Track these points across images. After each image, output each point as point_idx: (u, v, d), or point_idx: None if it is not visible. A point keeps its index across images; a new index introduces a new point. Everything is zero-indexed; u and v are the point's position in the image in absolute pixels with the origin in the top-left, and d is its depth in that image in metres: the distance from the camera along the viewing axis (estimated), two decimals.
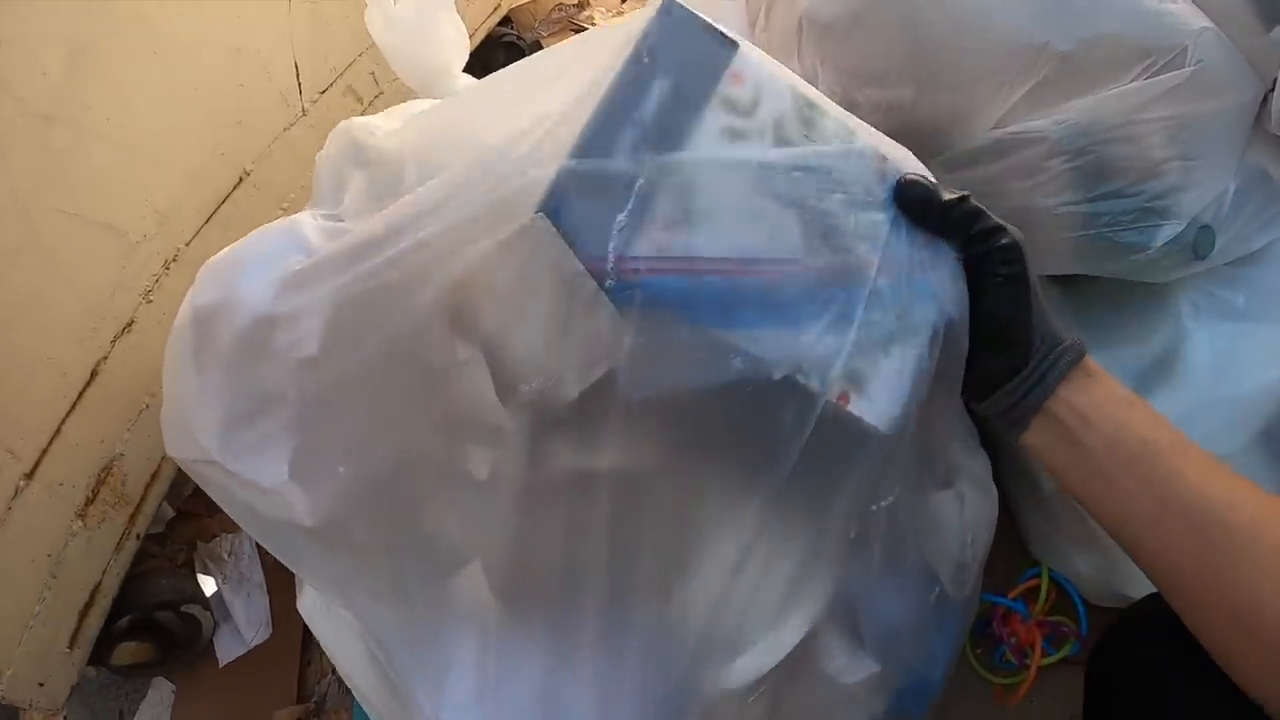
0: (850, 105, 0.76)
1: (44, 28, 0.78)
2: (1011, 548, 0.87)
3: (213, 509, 1.05)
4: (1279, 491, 0.68)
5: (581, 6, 1.31)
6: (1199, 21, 0.70)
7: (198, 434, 0.62)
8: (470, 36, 0.85)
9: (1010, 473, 0.86)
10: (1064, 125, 0.70)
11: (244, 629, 0.96)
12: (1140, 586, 0.74)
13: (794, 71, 0.61)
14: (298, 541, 0.62)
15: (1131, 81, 0.70)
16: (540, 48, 1.21)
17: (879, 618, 0.57)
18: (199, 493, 1.03)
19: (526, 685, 0.55)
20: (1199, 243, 0.73)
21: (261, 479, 0.60)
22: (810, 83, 0.71)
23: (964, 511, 0.64)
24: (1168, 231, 0.71)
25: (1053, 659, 0.81)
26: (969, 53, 0.72)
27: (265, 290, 0.59)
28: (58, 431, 0.85)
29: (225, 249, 0.65)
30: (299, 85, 0.97)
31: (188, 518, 1.02)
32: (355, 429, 0.57)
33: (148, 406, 0.91)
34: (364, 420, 0.57)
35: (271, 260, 0.61)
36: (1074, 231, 0.73)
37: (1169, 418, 0.73)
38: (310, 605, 0.69)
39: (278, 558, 0.64)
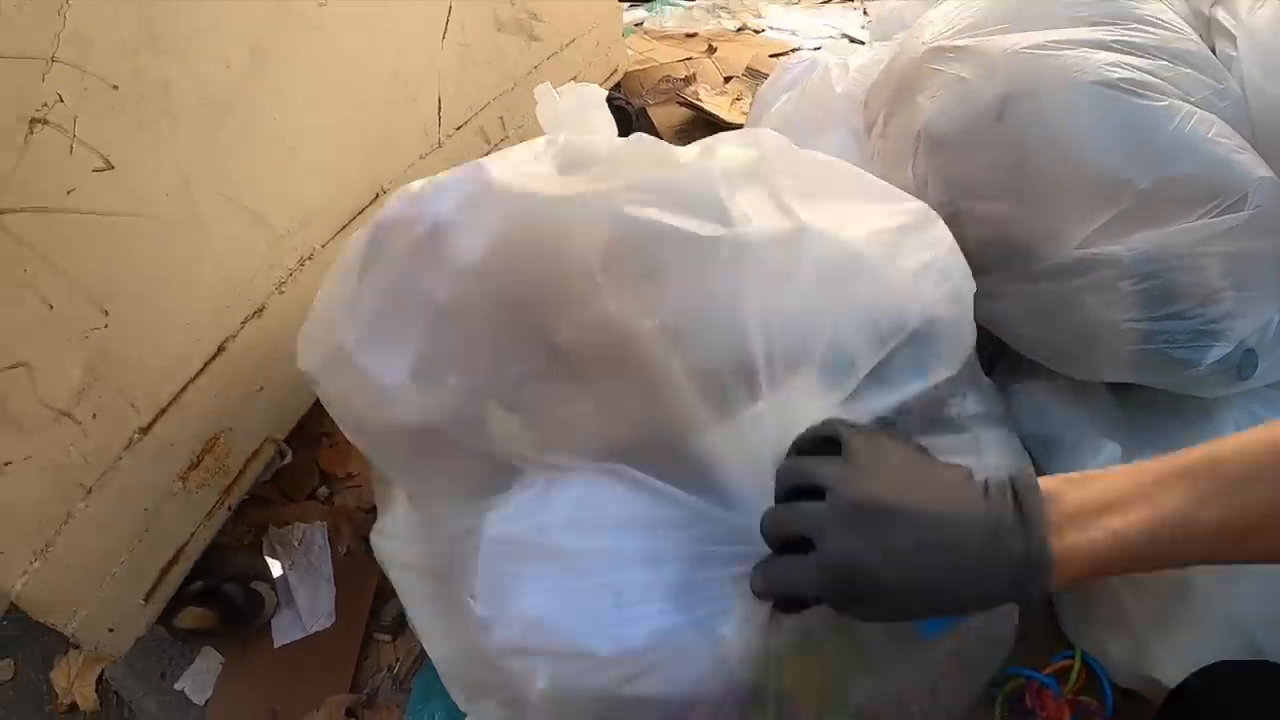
0: (954, 215, 0.94)
1: (234, 24, 0.95)
2: (1049, 626, 0.99)
3: (287, 496, 1.17)
4: None
5: (688, 81, 1.49)
6: (1260, 170, 0.88)
7: (339, 333, 0.75)
8: None
9: None
10: (1136, 252, 0.87)
11: (305, 615, 1.07)
12: (1168, 671, 0.86)
13: (906, 179, 0.78)
14: (397, 442, 0.77)
15: (1198, 219, 0.86)
16: (646, 114, 1.39)
17: None
18: (274, 480, 1.15)
19: None
20: (1243, 364, 0.88)
21: (385, 377, 0.72)
22: (920, 191, 0.89)
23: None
24: (1217, 352, 0.87)
25: None
26: (1063, 179, 0.89)
27: (449, 203, 0.70)
28: (178, 396, 0.98)
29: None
30: (439, 118, 1.14)
31: (260, 503, 1.14)
32: (479, 342, 0.70)
33: (261, 389, 1.04)
34: (489, 336, 0.70)
35: (458, 185, 0.72)
36: (1136, 345, 0.88)
37: None
38: (380, 537, 0.86)
39: (373, 460, 0.81)
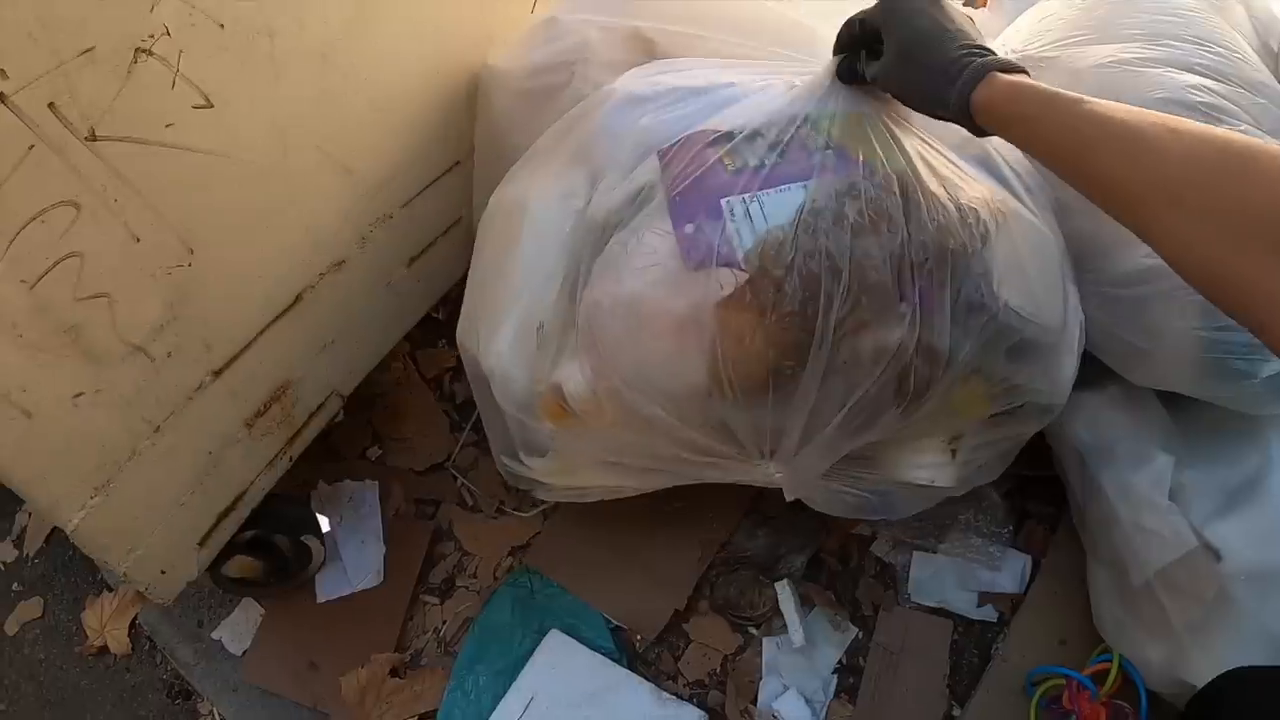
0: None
1: None
2: (1087, 632, 1.03)
3: (339, 454, 1.18)
4: None
5: None
6: None
7: None
8: None
9: (1097, 563, 1.03)
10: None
11: (351, 572, 1.08)
12: (1203, 676, 0.91)
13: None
14: None
15: None
16: None
17: None
18: (325, 438, 1.16)
19: None
20: None
21: None
22: None
23: None
24: (1272, 367, 0.92)
25: None
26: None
27: None
28: (252, 341, 0.99)
29: None
30: None
31: (311, 459, 1.14)
32: None
33: (333, 342, 1.05)
34: None
35: None
36: (1198, 353, 0.93)
37: (1251, 533, 0.92)
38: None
39: None
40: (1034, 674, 1.02)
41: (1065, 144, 0.65)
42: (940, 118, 0.74)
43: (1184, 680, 0.94)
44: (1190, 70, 0.97)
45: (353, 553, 1.09)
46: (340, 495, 1.13)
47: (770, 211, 0.80)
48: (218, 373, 0.96)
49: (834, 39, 0.84)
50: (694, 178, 0.82)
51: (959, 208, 0.83)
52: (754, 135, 0.83)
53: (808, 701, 1.03)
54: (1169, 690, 0.97)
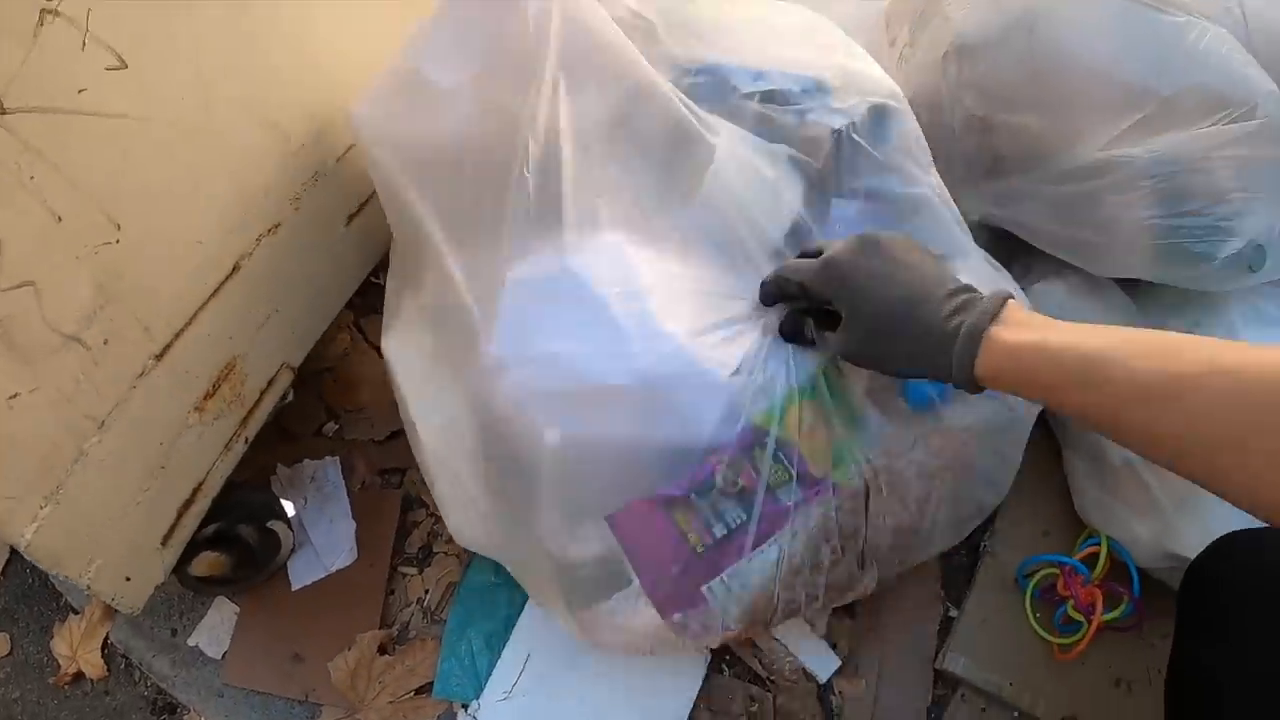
0: (989, 129, 1.03)
1: None
2: (1070, 520, 1.10)
3: (294, 434, 1.16)
4: None
5: None
6: (1268, 85, 1.00)
7: (409, 58, 0.93)
8: None
9: (1074, 446, 1.10)
10: (1155, 155, 0.97)
11: (323, 554, 1.07)
12: (1192, 546, 0.98)
13: (937, 90, 0.89)
14: (443, 172, 0.90)
15: (1212, 125, 0.98)
16: None
17: None
18: (278, 420, 1.14)
19: None
20: (1254, 260, 1.01)
21: (446, 81, 0.88)
22: (953, 103, 1.00)
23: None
24: (1231, 246, 0.99)
25: (1110, 617, 1.04)
26: (1089, 88, 0.99)
27: None
28: (193, 318, 0.96)
29: None
30: None
31: (266, 443, 1.12)
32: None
33: (277, 312, 1.03)
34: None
35: None
36: (1155, 239, 0.99)
37: None
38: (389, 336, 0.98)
39: (405, 216, 0.92)
40: (1024, 566, 1.08)
41: (1085, 406, 0.64)
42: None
43: (1175, 554, 1.00)
44: None
45: (322, 534, 1.08)
46: (302, 476, 1.11)
47: (749, 578, 0.82)
48: (160, 356, 0.93)
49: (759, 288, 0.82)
50: (667, 571, 0.81)
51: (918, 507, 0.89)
52: (708, 488, 0.79)
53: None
54: (1160, 565, 1.03)
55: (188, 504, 0.98)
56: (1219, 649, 0.71)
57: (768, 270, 0.83)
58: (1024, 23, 1.01)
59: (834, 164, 0.90)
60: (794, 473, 0.80)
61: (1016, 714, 1.05)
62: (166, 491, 0.96)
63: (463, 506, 0.95)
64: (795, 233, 0.87)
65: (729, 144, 0.86)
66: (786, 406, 0.79)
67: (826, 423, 0.81)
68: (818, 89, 0.91)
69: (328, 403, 1.18)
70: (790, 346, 0.81)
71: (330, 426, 1.18)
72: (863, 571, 0.89)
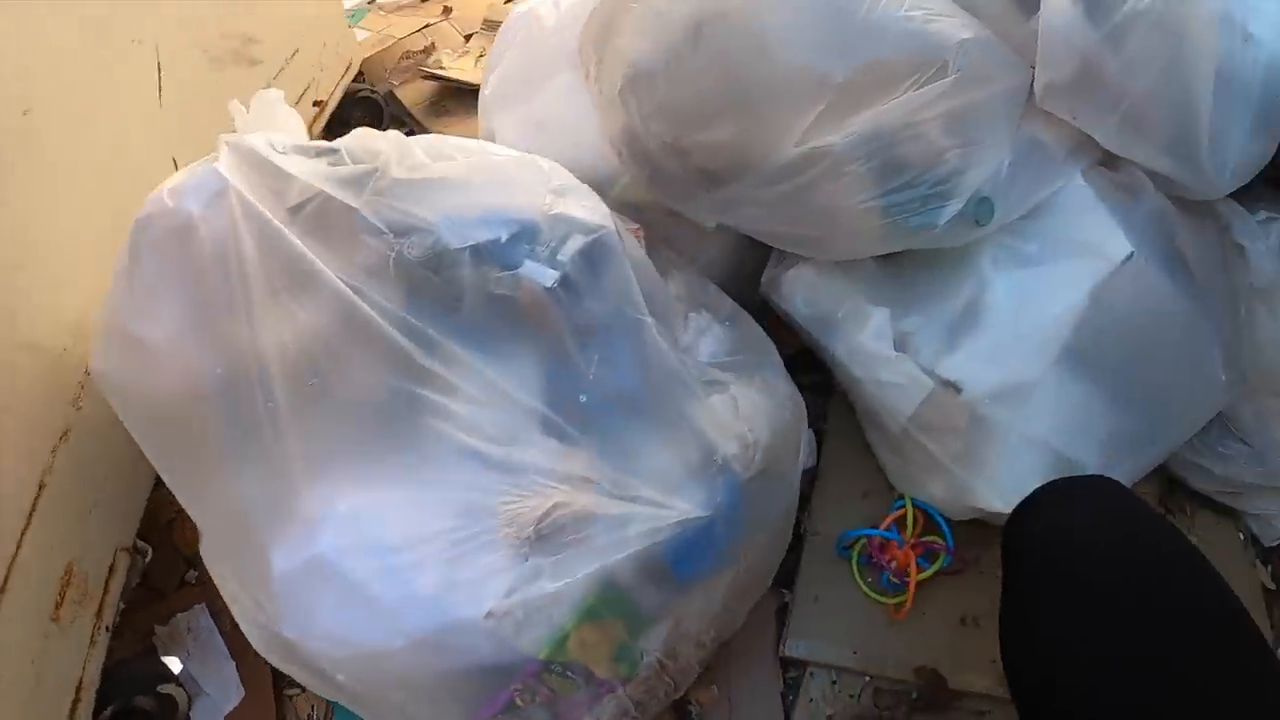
0: (684, 151, 1.05)
1: None
2: (880, 486, 1.17)
3: (161, 591, 1.26)
4: (1090, 402, 0.99)
5: (428, 52, 1.55)
6: (960, 33, 1.00)
7: (117, 316, 0.99)
8: (329, 97, 1.11)
9: (865, 417, 1.16)
10: (853, 137, 1.00)
11: (218, 698, 1.18)
12: (991, 499, 1.04)
13: (627, 120, 0.92)
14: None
15: (904, 94, 0.99)
16: (394, 97, 1.45)
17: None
18: (144, 582, 1.25)
19: None
20: (979, 214, 1.03)
21: (152, 339, 0.95)
22: (645, 130, 1.02)
23: (740, 408, 0.97)
24: (951, 210, 1.01)
25: (929, 573, 1.11)
26: (769, 86, 1.01)
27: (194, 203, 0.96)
28: (19, 545, 1.05)
29: None
30: None
31: (137, 608, 1.23)
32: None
33: (95, 506, 1.12)
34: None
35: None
36: (875, 220, 1.02)
37: (981, 356, 1.03)
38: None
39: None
40: (841, 541, 1.15)
41: None
42: None
43: (974, 506, 1.07)
44: None
45: (211, 681, 1.18)
46: (179, 630, 1.22)
47: None
48: (1, 590, 1.03)
49: None
50: None
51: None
52: (512, 709, 0.87)
53: None
54: (966, 517, 1.11)
55: (75, 704, 1.09)
56: (1036, 604, 0.77)
57: (513, 489, 0.89)
58: (689, 39, 1.02)
59: (562, 320, 0.93)
60: (581, 683, 0.87)
61: (868, 678, 1.14)
62: (50, 700, 1.07)
63: None
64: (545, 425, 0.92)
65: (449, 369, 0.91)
66: (568, 631, 0.85)
67: (607, 635, 0.87)
68: (527, 235, 0.93)
69: (182, 551, 1.28)
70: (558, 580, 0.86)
71: (192, 574, 1.28)
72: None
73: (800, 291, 1.12)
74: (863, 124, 1.00)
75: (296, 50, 1.34)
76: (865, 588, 1.14)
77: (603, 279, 0.95)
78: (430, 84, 1.47)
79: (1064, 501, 0.82)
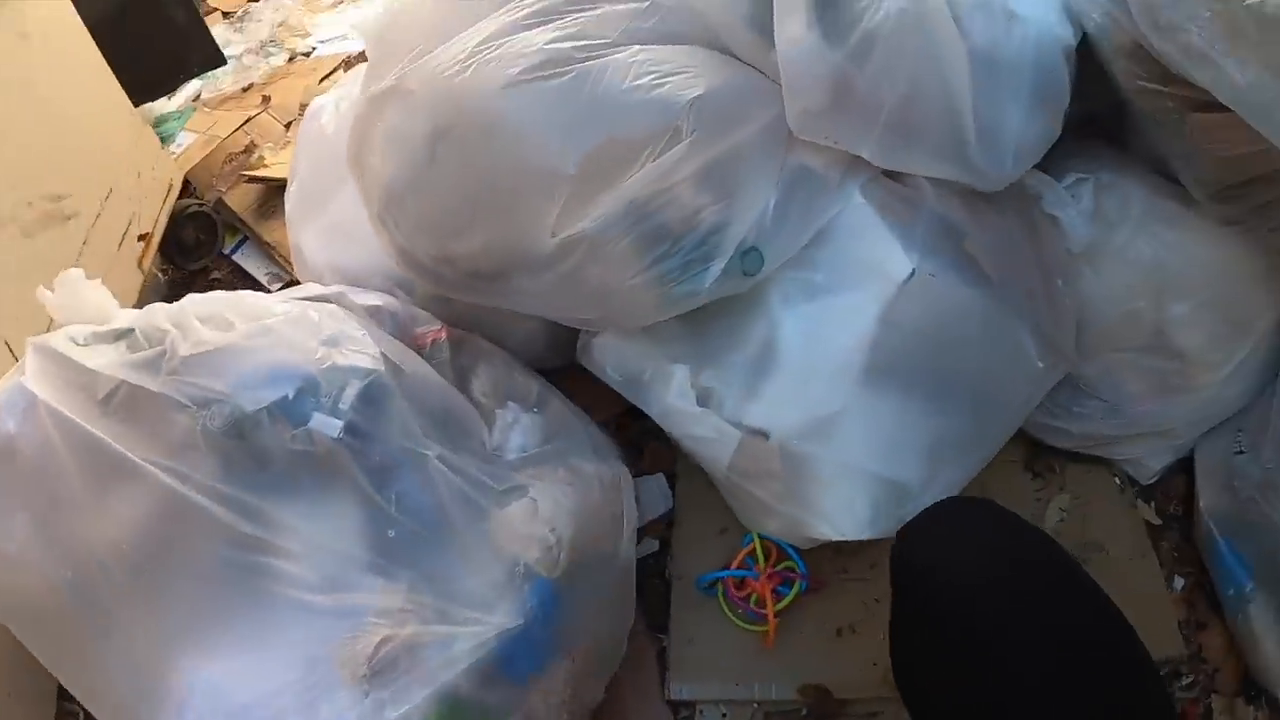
0: (452, 259, 1.07)
1: None
2: (735, 521, 1.20)
3: None
4: (902, 418, 1.00)
5: (250, 151, 1.55)
6: (690, 92, 0.99)
7: None
8: (153, 227, 1.14)
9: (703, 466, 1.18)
10: (601, 220, 1.00)
11: None
12: (828, 529, 1.06)
13: (393, 238, 0.97)
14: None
15: (642, 168, 0.99)
16: (224, 204, 1.46)
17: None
18: None
19: None
20: (747, 265, 1.04)
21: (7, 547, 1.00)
22: (412, 244, 1.04)
23: (540, 510, 1.00)
24: (714, 270, 1.02)
25: (787, 600, 1.15)
26: (510, 186, 1.02)
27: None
28: None
29: None
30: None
31: None
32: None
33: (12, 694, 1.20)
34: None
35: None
36: (647, 293, 1.03)
37: (782, 399, 1.05)
38: None
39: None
40: (700, 584, 1.19)
41: None
42: None
43: (811, 538, 1.10)
44: (523, 28, 1.02)
45: None
46: None
47: None
48: None
49: None
50: None
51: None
52: None
53: None
54: (810, 544, 1.13)
55: None
56: (910, 639, 0.84)
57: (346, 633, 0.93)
58: (428, 155, 1.04)
59: (354, 465, 0.96)
60: None
61: (756, 704, 1.18)
62: None
63: None
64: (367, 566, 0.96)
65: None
66: None
67: None
68: (310, 389, 0.97)
69: None
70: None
71: None
72: None
73: (609, 358, 1.14)
74: (610, 204, 1.00)
75: (110, 190, 1.36)
76: (736, 620, 1.18)
77: (383, 420, 0.99)
78: (257, 185, 1.48)
79: (940, 531, 0.84)
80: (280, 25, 1.79)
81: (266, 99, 1.63)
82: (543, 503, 1.02)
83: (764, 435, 1.06)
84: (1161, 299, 1.20)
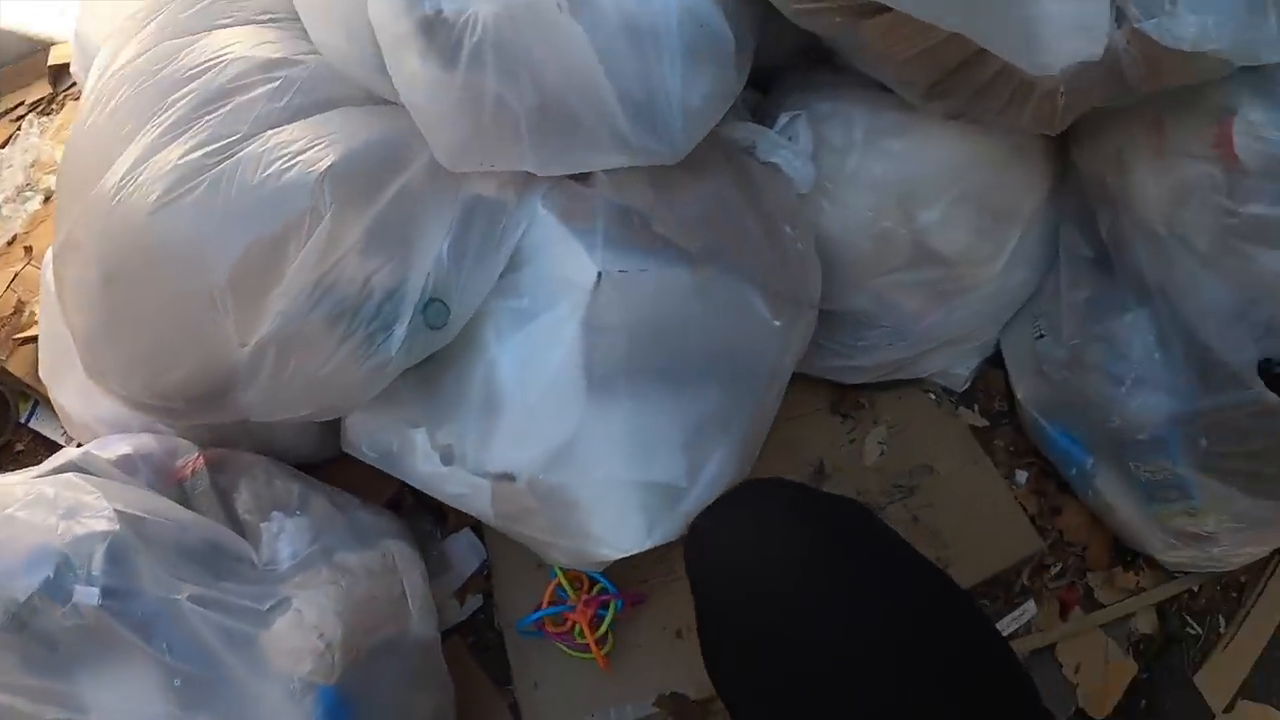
0: (167, 396, 1.07)
1: None
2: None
3: None
4: (643, 418, 0.98)
5: (19, 311, 1.53)
6: (320, 165, 0.97)
7: None
8: None
9: None
10: (278, 318, 0.98)
11: None
12: (604, 553, 1.05)
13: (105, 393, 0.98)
14: None
15: (298, 259, 0.97)
16: (8, 373, 1.45)
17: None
18: None
19: None
20: (432, 319, 1.02)
21: None
22: (126, 397, 1.03)
23: (305, 619, 0.99)
24: (398, 334, 1.00)
25: (607, 623, 1.14)
26: (182, 314, 1.00)
27: None
28: None
29: None
30: None
31: None
32: None
33: None
34: None
35: None
36: (350, 373, 1.02)
37: (512, 440, 1.03)
38: None
39: None
40: (521, 629, 1.18)
41: None
42: None
43: (598, 561, 1.08)
44: (162, 148, 1.00)
45: None
46: None
47: None
48: None
49: None
50: None
51: None
52: None
53: None
54: (598, 569, 1.13)
55: None
56: (705, 637, 0.83)
57: None
58: (106, 298, 1.03)
59: (122, 628, 0.95)
60: None
61: None
62: None
63: None
64: None
65: None
66: None
67: None
68: (65, 564, 0.96)
69: None
70: None
71: None
72: None
73: (361, 438, 1.13)
74: (280, 301, 0.98)
75: None
76: (572, 653, 1.18)
77: (132, 575, 0.99)
78: (33, 345, 1.47)
79: (724, 521, 0.83)
80: (33, 165, 1.77)
81: (29, 250, 1.61)
82: (307, 611, 1.01)
83: (510, 478, 1.04)
84: (909, 211, 1.18)
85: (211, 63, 1.05)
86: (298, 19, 1.12)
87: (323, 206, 0.97)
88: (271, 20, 1.14)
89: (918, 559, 0.78)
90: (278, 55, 1.08)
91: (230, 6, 1.14)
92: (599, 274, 1.01)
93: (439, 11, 0.95)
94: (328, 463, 1.25)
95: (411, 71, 0.98)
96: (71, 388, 1.26)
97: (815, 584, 0.74)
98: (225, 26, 1.11)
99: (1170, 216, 1.11)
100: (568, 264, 1.03)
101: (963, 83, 1.05)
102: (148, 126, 1.03)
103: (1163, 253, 1.12)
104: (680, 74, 1.03)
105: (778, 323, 1.08)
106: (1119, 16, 1.00)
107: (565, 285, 1.03)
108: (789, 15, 1.07)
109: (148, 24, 1.13)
